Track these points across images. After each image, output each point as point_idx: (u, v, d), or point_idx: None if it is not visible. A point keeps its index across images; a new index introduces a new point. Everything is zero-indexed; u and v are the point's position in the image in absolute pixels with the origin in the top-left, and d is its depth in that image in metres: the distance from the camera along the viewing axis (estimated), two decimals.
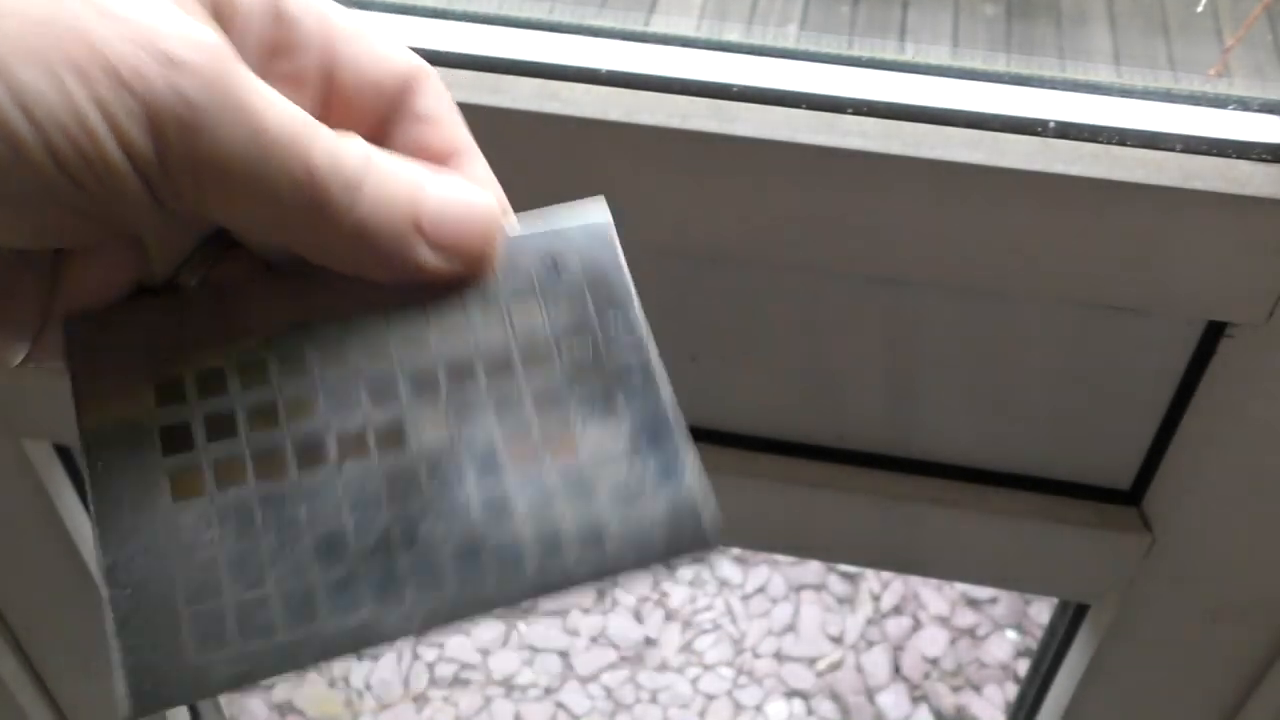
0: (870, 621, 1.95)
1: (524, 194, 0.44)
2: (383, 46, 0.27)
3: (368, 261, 0.25)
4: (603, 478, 0.26)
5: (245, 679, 0.24)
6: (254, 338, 0.26)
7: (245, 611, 0.24)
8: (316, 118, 0.24)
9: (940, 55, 0.45)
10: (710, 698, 1.88)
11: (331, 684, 1.73)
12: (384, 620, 0.24)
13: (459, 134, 0.28)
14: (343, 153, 0.24)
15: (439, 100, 0.28)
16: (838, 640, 1.93)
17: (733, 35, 0.45)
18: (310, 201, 0.24)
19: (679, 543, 0.26)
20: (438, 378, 0.26)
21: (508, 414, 0.26)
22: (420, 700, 1.76)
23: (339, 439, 0.26)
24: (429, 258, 0.26)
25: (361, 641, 0.24)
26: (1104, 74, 0.45)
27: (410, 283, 0.26)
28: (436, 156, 0.27)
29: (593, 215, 0.28)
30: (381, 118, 0.27)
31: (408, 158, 0.26)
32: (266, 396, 0.26)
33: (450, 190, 0.26)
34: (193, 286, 0.27)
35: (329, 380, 0.26)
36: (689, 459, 0.26)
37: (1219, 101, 0.43)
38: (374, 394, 0.26)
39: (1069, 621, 0.61)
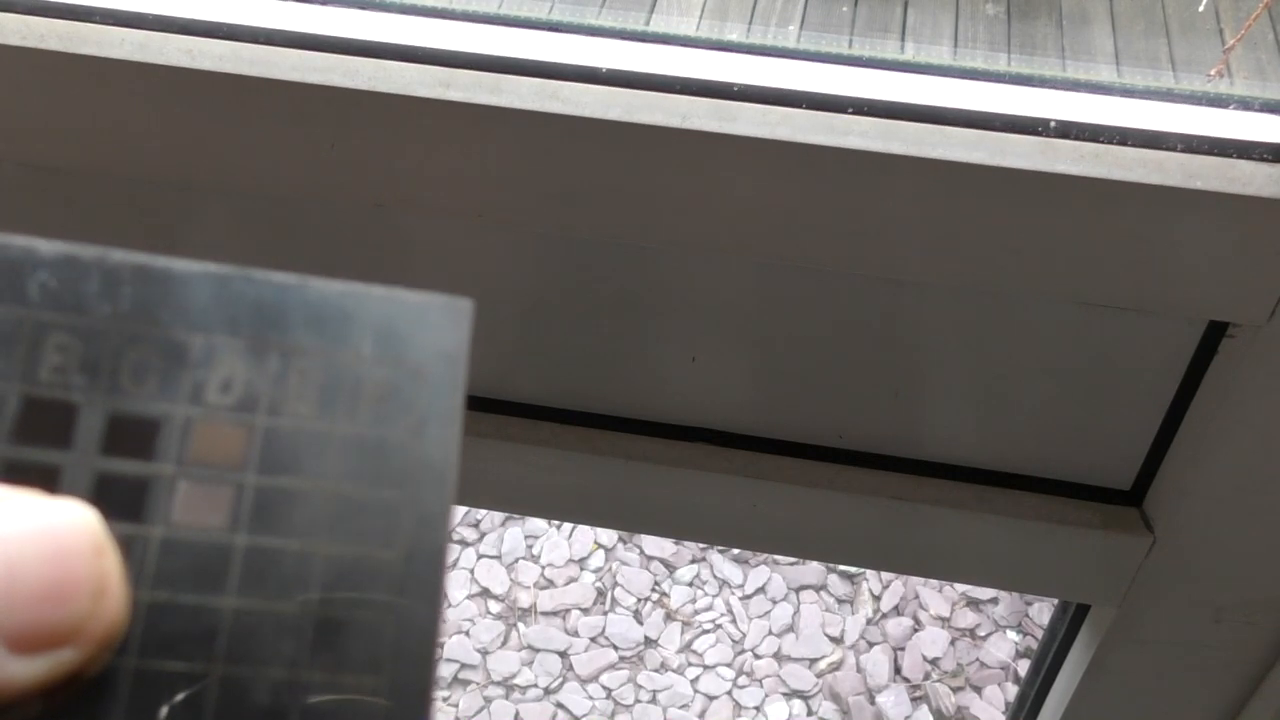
0: (870, 622, 1.95)
1: (524, 194, 0.44)
2: None
3: None
4: None
5: None
6: None
7: None
8: None
9: (941, 55, 0.45)
10: (710, 698, 1.88)
11: None
12: None
13: None
14: None
15: None
16: (838, 640, 1.93)
17: (733, 35, 0.45)
18: None
19: None
20: None
21: None
22: None
23: None
24: (17, 671, 0.15)
25: None
26: (1105, 73, 0.45)
27: None
28: None
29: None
30: None
31: None
32: None
33: (17, 520, 0.15)
34: None
35: None
36: None
37: (1220, 101, 0.43)
38: None
39: (1069, 621, 0.61)
